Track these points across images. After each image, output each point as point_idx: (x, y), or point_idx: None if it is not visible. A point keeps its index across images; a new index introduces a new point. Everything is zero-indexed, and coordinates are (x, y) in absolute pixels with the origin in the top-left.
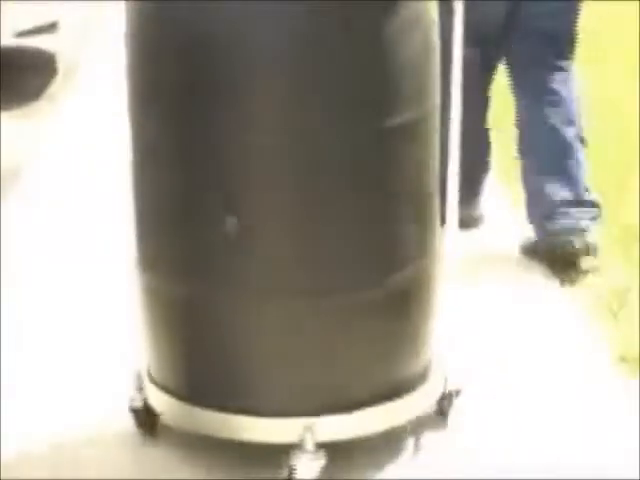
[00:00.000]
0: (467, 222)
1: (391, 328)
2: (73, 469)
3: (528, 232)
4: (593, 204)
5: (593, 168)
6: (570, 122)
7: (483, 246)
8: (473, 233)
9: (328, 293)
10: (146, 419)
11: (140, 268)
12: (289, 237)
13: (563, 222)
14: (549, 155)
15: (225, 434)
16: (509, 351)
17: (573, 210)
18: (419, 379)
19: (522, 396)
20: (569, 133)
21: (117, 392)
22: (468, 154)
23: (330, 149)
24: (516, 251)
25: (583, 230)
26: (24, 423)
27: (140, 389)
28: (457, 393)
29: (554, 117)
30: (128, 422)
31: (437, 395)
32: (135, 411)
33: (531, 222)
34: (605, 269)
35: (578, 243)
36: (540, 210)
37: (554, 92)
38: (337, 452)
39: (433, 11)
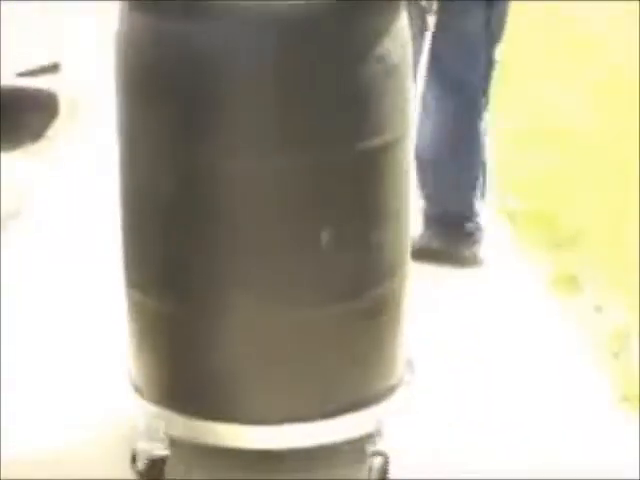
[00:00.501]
0: None
1: (363, 341)
2: (72, 469)
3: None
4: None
5: (593, 207)
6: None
7: (484, 288)
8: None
9: (305, 307)
10: None
11: (127, 285)
12: (268, 254)
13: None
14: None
15: (204, 440)
16: (510, 389)
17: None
18: (390, 391)
19: (522, 430)
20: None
21: (115, 394)
22: None
23: (306, 172)
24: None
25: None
26: (24, 424)
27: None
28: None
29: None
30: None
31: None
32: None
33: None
34: (606, 308)
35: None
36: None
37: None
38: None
39: (407, 40)
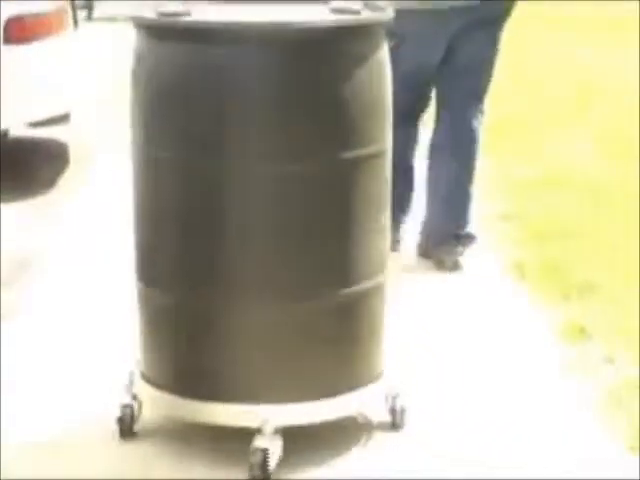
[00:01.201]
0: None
1: (346, 331)
2: (69, 466)
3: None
4: (469, 235)
5: (603, 258)
6: (471, 159)
7: (493, 336)
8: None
9: (295, 301)
10: (132, 415)
11: (137, 279)
12: (263, 256)
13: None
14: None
15: (202, 419)
16: (517, 438)
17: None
18: (369, 377)
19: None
20: (466, 170)
21: (106, 396)
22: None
23: (308, 177)
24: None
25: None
26: (23, 422)
27: (130, 386)
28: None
29: (462, 153)
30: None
31: (386, 394)
32: (124, 407)
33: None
34: (616, 359)
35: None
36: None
37: (472, 129)
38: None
39: (387, 63)
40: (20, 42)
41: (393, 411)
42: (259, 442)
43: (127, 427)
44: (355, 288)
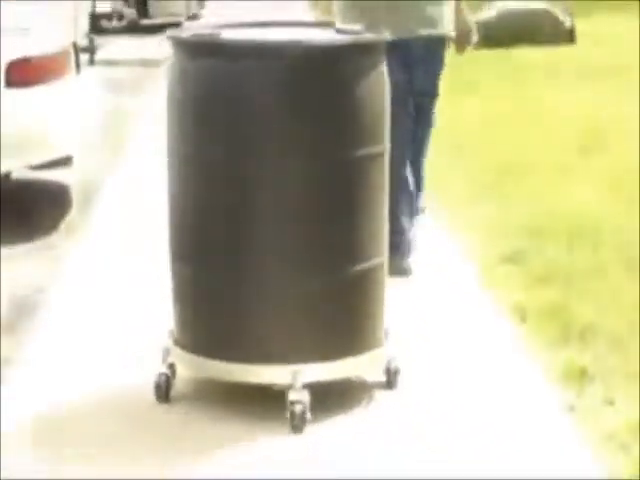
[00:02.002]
0: None
1: (352, 304)
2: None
3: None
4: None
5: (603, 299)
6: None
7: (492, 378)
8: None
9: (311, 276)
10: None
11: (171, 259)
12: (282, 237)
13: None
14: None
15: (237, 380)
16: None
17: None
18: (376, 342)
19: None
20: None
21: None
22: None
23: (320, 172)
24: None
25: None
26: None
27: (166, 354)
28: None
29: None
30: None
31: (387, 358)
32: (161, 374)
33: None
34: (617, 401)
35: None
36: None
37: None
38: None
39: (385, 75)
40: (22, 85)
41: (388, 372)
42: (293, 395)
43: (163, 393)
44: (363, 265)
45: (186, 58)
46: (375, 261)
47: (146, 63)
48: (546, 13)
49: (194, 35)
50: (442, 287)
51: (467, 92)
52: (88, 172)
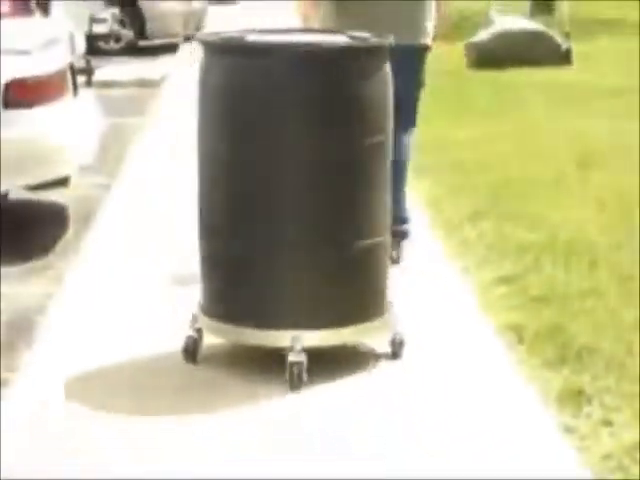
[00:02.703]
0: None
1: (361, 274)
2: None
3: None
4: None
5: (601, 320)
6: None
7: (488, 400)
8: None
9: (321, 250)
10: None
11: (201, 238)
12: (297, 216)
13: None
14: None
15: (248, 342)
16: None
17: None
18: (379, 312)
19: None
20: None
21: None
22: None
23: (332, 158)
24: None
25: None
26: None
27: (194, 322)
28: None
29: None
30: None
31: (391, 328)
32: (189, 338)
33: None
34: (614, 423)
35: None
36: None
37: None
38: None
39: (390, 74)
40: (20, 106)
41: (393, 343)
42: (292, 357)
43: (191, 355)
44: (368, 241)
45: (214, 58)
46: (379, 239)
47: (144, 84)
48: (542, 34)
49: (222, 38)
50: (438, 306)
51: (464, 112)
52: (85, 193)
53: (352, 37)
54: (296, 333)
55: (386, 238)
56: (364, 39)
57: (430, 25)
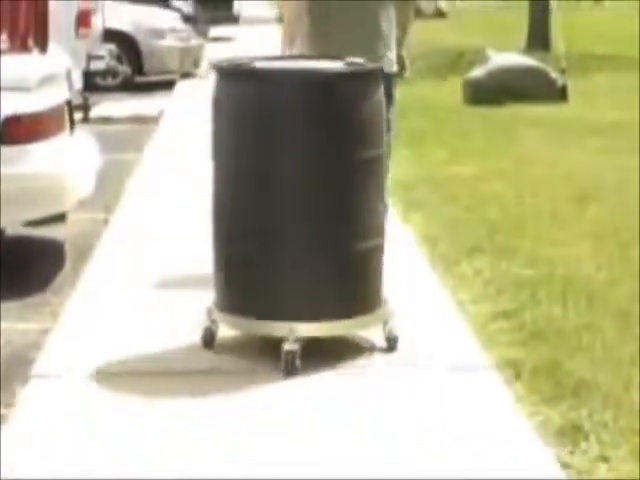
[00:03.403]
0: None
1: (357, 273)
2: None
3: None
4: None
5: (597, 355)
6: None
7: (484, 436)
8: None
9: (322, 249)
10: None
11: (215, 243)
12: (300, 221)
13: None
14: None
15: (252, 331)
16: None
17: None
18: (373, 307)
19: None
20: None
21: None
22: None
23: (333, 169)
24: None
25: None
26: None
27: (209, 314)
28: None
29: None
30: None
31: (386, 325)
32: (206, 329)
33: None
34: (611, 458)
35: None
36: None
37: None
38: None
39: (382, 95)
40: (16, 143)
41: (388, 337)
42: (288, 346)
43: (208, 342)
44: (364, 244)
45: (226, 82)
46: (374, 242)
47: (141, 120)
48: (538, 71)
49: (233, 64)
50: (434, 342)
51: (460, 148)
52: (83, 228)
53: (348, 63)
54: (292, 324)
55: (381, 241)
56: (359, 65)
57: (392, 55)
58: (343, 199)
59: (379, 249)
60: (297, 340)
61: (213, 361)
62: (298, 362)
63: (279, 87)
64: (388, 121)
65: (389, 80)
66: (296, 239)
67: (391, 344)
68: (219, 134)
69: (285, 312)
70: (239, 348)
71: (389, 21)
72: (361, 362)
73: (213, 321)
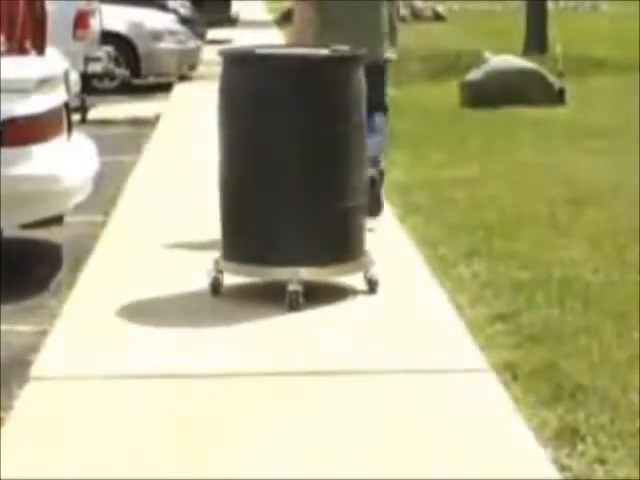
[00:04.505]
0: None
1: (343, 228)
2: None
3: None
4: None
5: (594, 358)
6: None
7: (481, 440)
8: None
9: (315, 207)
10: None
11: (221, 199)
12: (295, 180)
13: None
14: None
15: (257, 276)
16: None
17: None
18: (358, 256)
19: None
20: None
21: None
22: None
23: (322, 138)
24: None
25: None
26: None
27: (216, 265)
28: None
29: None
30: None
31: (367, 270)
32: (213, 278)
33: None
34: (608, 461)
35: None
36: None
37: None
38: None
39: (363, 78)
40: (14, 145)
41: (370, 281)
42: (292, 287)
43: (215, 289)
44: (349, 203)
45: (231, 66)
46: (357, 202)
47: (138, 123)
48: (536, 74)
49: (239, 51)
50: (431, 344)
51: (458, 151)
52: (80, 231)
53: (334, 50)
54: (294, 269)
55: (362, 201)
56: (344, 52)
57: (387, 45)
58: (330, 163)
59: (361, 208)
60: (299, 282)
61: (219, 303)
62: (301, 299)
63: (274, 68)
64: (385, 99)
65: (386, 66)
66: (292, 197)
67: (372, 286)
68: (223, 108)
69: (286, 259)
70: (243, 293)
71: (385, 18)
72: (349, 301)
73: (220, 271)
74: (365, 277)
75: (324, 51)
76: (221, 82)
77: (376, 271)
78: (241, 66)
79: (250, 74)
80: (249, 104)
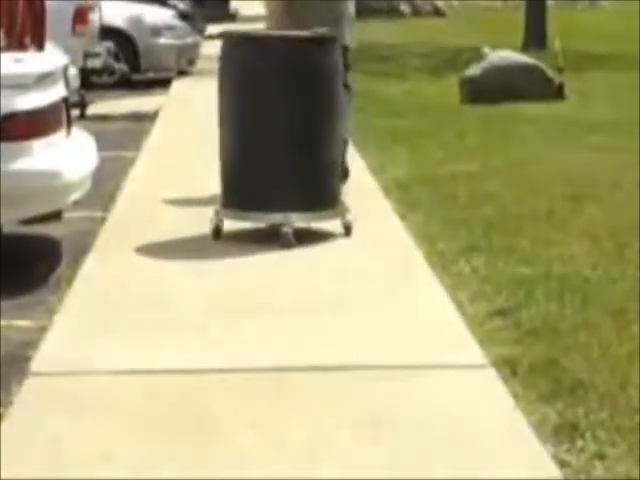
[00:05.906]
0: None
1: (327, 178)
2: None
3: None
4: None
5: (594, 354)
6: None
7: (479, 437)
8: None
9: (299, 162)
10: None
11: (221, 157)
12: (285, 141)
13: None
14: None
15: (254, 221)
16: None
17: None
18: (335, 204)
19: None
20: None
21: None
22: None
23: (305, 105)
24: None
25: None
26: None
27: (217, 214)
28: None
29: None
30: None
31: (344, 213)
32: (214, 224)
33: None
34: (607, 457)
35: None
36: None
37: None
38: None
39: (338, 51)
40: (13, 140)
41: (345, 226)
42: (285, 228)
43: (216, 233)
44: (330, 159)
45: (229, 46)
46: (334, 159)
47: (137, 118)
48: (535, 69)
49: (237, 34)
50: (431, 339)
51: (457, 146)
52: (79, 226)
53: (314, 32)
54: (286, 214)
55: (338, 159)
56: (321, 34)
57: (348, 33)
58: (314, 127)
59: (335, 165)
60: (290, 225)
61: (220, 245)
62: (293, 240)
63: (265, 47)
64: (347, 82)
65: (346, 52)
66: (283, 154)
67: (347, 230)
68: (224, 83)
69: (278, 206)
70: (241, 237)
71: (344, 9)
72: (330, 242)
73: (220, 219)
74: (342, 222)
75: (307, 33)
76: (221, 59)
77: (351, 217)
78: (237, 45)
79: (244, 52)
80: (244, 77)
